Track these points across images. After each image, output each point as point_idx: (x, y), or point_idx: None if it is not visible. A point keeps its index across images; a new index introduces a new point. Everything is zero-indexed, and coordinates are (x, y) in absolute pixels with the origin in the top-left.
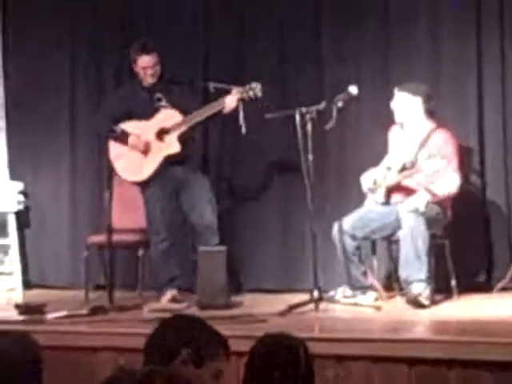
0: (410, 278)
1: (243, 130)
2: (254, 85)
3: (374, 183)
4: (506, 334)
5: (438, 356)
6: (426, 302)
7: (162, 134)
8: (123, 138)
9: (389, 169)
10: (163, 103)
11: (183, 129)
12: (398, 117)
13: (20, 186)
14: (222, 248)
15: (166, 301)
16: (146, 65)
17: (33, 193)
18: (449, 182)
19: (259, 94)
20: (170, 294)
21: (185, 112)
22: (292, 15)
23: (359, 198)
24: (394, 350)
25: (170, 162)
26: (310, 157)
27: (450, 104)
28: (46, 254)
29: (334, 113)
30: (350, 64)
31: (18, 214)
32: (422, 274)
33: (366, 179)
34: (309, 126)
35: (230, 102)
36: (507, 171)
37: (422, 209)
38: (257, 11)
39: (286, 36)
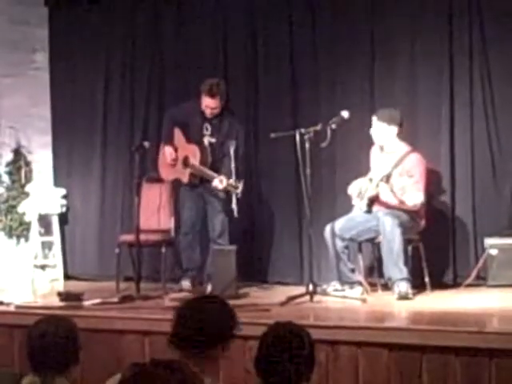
0: (394, 278)
1: (235, 213)
2: (238, 185)
3: (360, 191)
4: (470, 324)
5: (413, 342)
6: (412, 298)
7: (186, 160)
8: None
9: (370, 180)
10: (208, 133)
11: (192, 170)
12: (376, 141)
13: (63, 191)
14: (233, 247)
15: (179, 289)
16: (207, 105)
17: (70, 197)
18: (413, 198)
19: (238, 193)
20: (183, 283)
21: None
22: (298, 54)
23: (346, 205)
24: (377, 336)
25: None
26: (308, 171)
27: (426, 130)
28: (82, 249)
29: (329, 133)
30: (342, 93)
31: (60, 215)
32: (404, 273)
33: (353, 188)
34: (307, 145)
35: (216, 185)
36: (474, 188)
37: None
38: (269, 45)
39: (296, 67)
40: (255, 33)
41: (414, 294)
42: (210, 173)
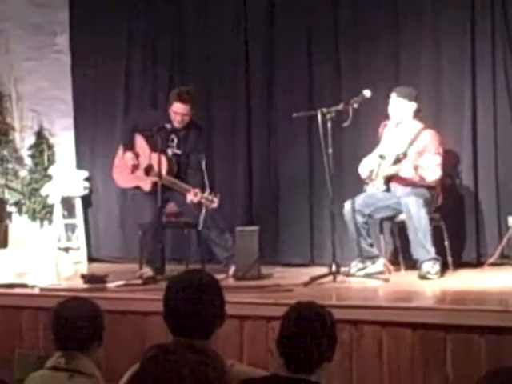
0: (421, 259)
1: (200, 226)
2: (214, 199)
3: (371, 171)
4: (494, 303)
5: (437, 321)
6: (434, 277)
7: (149, 168)
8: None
9: (381, 157)
10: (173, 144)
11: (163, 181)
12: (394, 117)
13: (85, 173)
14: (256, 227)
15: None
16: (176, 111)
17: (93, 180)
18: (433, 174)
19: (214, 206)
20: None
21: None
22: (317, 32)
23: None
24: (400, 316)
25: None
26: (330, 150)
27: (449, 109)
28: (105, 232)
29: (351, 113)
30: (365, 72)
31: (83, 197)
32: (431, 253)
33: (363, 169)
34: (329, 124)
35: (191, 199)
36: (497, 166)
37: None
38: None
39: (313, 49)
40: (274, 16)
41: (437, 273)
42: (183, 185)
